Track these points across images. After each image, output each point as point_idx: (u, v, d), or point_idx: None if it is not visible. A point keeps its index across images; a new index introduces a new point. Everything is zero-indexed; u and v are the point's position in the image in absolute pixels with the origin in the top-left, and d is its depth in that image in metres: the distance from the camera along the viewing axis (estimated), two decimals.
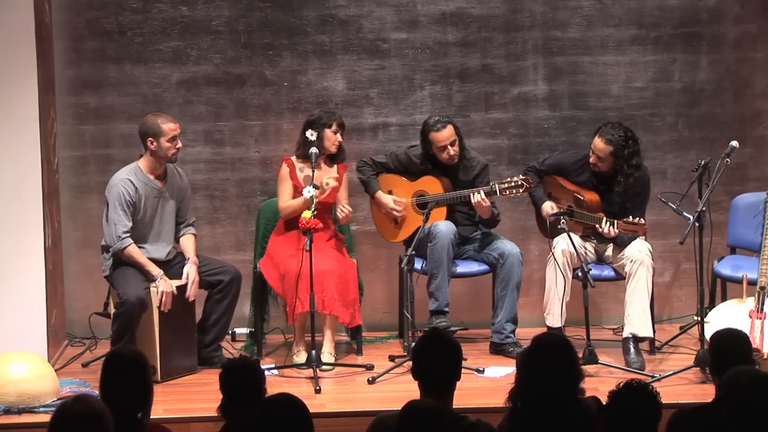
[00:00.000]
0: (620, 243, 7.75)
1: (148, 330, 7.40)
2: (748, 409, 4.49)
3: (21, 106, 7.52)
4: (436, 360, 4.93)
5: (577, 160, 8.00)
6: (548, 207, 7.90)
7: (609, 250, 7.89)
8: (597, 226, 7.65)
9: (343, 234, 8.08)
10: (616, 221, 7.58)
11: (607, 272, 7.88)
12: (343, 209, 7.73)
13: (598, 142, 7.75)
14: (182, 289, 7.48)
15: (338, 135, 7.85)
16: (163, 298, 7.35)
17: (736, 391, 4.55)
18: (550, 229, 7.75)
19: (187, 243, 7.67)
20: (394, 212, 8.07)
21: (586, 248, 7.82)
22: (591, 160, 7.80)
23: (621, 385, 4.58)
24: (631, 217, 7.56)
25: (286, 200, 7.86)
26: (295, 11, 8.42)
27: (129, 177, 7.47)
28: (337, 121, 7.86)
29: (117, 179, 7.49)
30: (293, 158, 7.94)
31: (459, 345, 5.04)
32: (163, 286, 7.37)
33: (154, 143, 7.44)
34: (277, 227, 7.96)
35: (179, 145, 7.51)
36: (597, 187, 7.86)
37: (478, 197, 7.79)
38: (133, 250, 7.41)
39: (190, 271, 7.50)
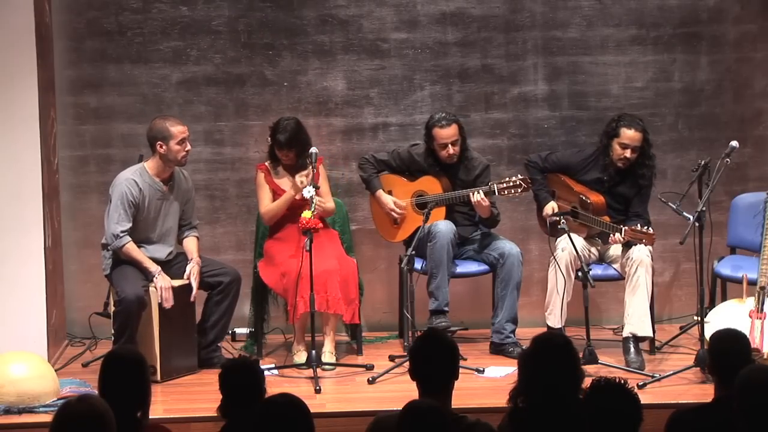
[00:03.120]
0: (632, 243, 7.72)
1: (148, 330, 7.40)
2: (760, 408, 4.49)
3: (21, 106, 7.52)
4: (433, 360, 4.93)
5: (583, 158, 7.97)
6: (549, 209, 7.88)
7: (611, 250, 7.88)
8: (610, 236, 7.61)
9: (341, 233, 8.07)
10: (623, 228, 7.55)
11: (608, 272, 7.87)
12: (317, 206, 7.56)
13: (632, 133, 7.71)
14: (182, 289, 7.48)
15: (283, 154, 7.78)
16: (164, 294, 7.35)
17: (749, 389, 4.55)
18: (550, 229, 7.75)
19: (190, 244, 7.67)
20: (394, 213, 8.08)
21: (589, 249, 7.82)
22: (620, 155, 7.73)
23: (590, 384, 4.55)
24: (638, 225, 7.55)
25: (266, 205, 7.86)
26: (295, 11, 8.42)
27: (134, 177, 7.47)
28: (278, 143, 7.74)
29: (122, 178, 7.49)
30: (267, 163, 7.93)
31: (456, 345, 5.03)
32: (162, 281, 7.37)
33: (164, 147, 7.43)
34: (271, 230, 7.95)
35: (188, 147, 7.51)
36: (608, 183, 7.84)
37: (477, 197, 7.79)
38: (131, 248, 7.41)
39: (192, 270, 7.51)
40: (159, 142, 7.44)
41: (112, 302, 7.55)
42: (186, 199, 7.71)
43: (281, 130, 7.76)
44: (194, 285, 7.47)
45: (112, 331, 7.44)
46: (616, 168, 7.81)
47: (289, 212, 7.78)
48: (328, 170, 8.14)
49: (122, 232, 7.40)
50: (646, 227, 7.54)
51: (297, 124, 7.82)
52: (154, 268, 7.41)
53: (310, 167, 7.65)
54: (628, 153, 7.73)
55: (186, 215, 7.72)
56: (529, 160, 8.09)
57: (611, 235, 7.61)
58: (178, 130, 7.46)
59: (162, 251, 7.56)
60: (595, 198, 7.79)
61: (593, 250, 7.88)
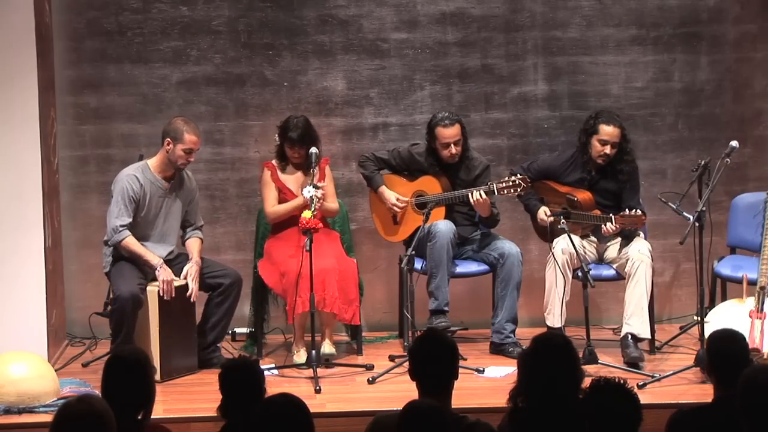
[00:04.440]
0: (627, 235, 7.73)
1: (148, 330, 7.40)
2: (763, 408, 4.49)
3: (21, 106, 7.52)
4: (433, 360, 4.93)
5: (564, 161, 8.00)
6: (542, 213, 7.88)
7: (609, 250, 7.89)
8: (602, 227, 7.63)
9: (341, 233, 8.08)
10: (613, 217, 7.57)
11: (608, 272, 7.88)
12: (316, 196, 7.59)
13: (610, 129, 7.73)
14: (181, 289, 7.47)
15: (294, 151, 7.79)
16: (164, 287, 7.35)
17: (752, 389, 4.55)
18: (550, 232, 7.75)
19: (193, 245, 7.66)
20: (395, 208, 8.07)
21: (585, 248, 7.82)
22: (599, 151, 7.75)
23: (589, 384, 4.55)
24: (627, 210, 7.57)
25: (272, 204, 7.86)
26: (295, 11, 8.42)
27: (135, 173, 7.49)
28: (290, 140, 7.76)
29: (123, 174, 7.52)
30: (273, 161, 7.94)
31: (455, 344, 5.03)
32: (164, 274, 7.37)
33: (171, 145, 7.45)
34: (272, 230, 7.96)
35: (192, 159, 7.52)
36: (590, 181, 7.86)
37: (477, 195, 7.79)
38: (131, 241, 7.41)
39: (190, 270, 7.50)
40: (168, 139, 7.46)
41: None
42: (189, 199, 7.71)
43: (293, 128, 7.78)
44: (191, 286, 7.46)
45: (110, 330, 7.45)
46: (597, 165, 7.82)
47: None
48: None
49: (122, 226, 7.40)
50: (634, 210, 7.55)
51: (307, 122, 7.85)
52: (156, 260, 7.41)
53: (312, 168, 7.65)
54: (607, 149, 7.75)
55: (190, 216, 7.72)
56: (513, 171, 8.08)
57: (603, 226, 7.62)
58: (191, 139, 7.47)
59: (162, 250, 7.55)
60: (582, 195, 7.81)
61: (592, 250, 7.89)
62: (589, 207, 7.78)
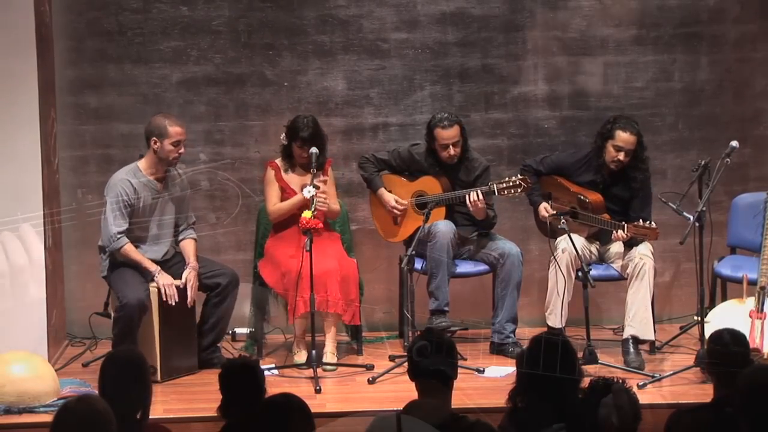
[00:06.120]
0: (634, 242, 7.72)
1: (148, 330, 7.39)
2: (763, 408, 4.49)
3: (21, 106, 7.51)
4: (431, 360, 4.93)
5: (578, 159, 7.97)
6: (542, 210, 7.87)
7: (611, 250, 7.87)
8: (613, 233, 7.59)
9: (341, 233, 8.08)
10: (625, 225, 7.54)
11: (608, 272, 7.87)
12: (322, 204, 7.63)
13: (626, 136, 7.69)
14: (180, 290, 7.46)
15: (303, 151, 7.76)
16: (167, 291, 7.33)
17: (752, 389, 4.55)
18: (550, 230, 7.74)
19: (188, 247, 7.64)
20: (395, 211, 8.08)
21: (588, 248, 7.81)
22: (613, 157, 7.71)
23: (589, 384, 4.55)
24: (641, 221, 7.54)
25: (274, 203, 7.86)
26: (295, 11, 8.43)
27: (128, 177, 7.47)
28: (300, 139, 7.74)
29: (116, 179, 7.49)
30: (278, 161, 7.93)
31: (453, 344, 5.03)
32: (163, 279, 7.36)
33: (158, 143, 7.44)
34: (272, 230, 7.96)
35: (182, 150, 7.50)
36: (602, 185, 7.84)
37: (473, 197, 7.79)
38: (129, 249, 7.40)
39: (189, 276, 7.48)
40: (154, 138, 7.44)
41: (111, 303, 7.56)
42: (182, 197, 7.70)
43: (304, 127, 7.75)
44: (189, 295, 7.45)
45: (112, 336, 7.42)
46: (609, 170, 7.80)
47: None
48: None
49: (119, 233, 7.39)
50: (648, 222, 7.53)
51: (316, 121, 7.84)
52: (153, 267, 7.40)
53: (312, 167, 7.64)
54: (621, 156, 7.72)
55: (182, 212, 7.69)
56: (525, 164, 8.08)
57: (614, 232, 7.59)
58: (175, 130, 7.45)
59: (158, 251, 7.54)
60: (594, 197, 7.78)
61: (593, 250, 7.88)
62: (599, 210, 7.75)
